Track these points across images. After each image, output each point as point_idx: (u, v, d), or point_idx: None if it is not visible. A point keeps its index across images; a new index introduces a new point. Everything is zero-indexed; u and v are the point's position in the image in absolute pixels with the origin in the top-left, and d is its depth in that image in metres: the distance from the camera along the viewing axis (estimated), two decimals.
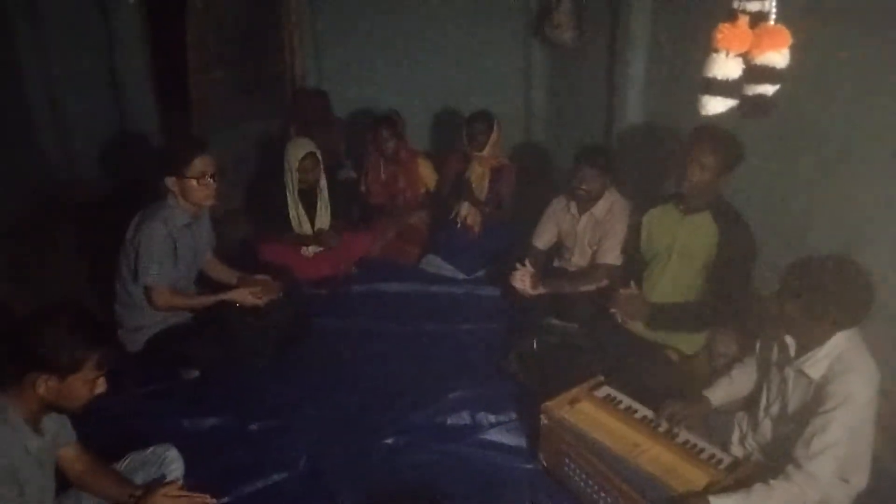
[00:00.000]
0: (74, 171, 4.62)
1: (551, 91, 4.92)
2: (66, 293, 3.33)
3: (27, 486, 1.66)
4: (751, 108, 1.69)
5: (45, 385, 1.64)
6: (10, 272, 3.48)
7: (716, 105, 1.68)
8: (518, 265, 3.11)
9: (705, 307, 2.63)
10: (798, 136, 2.64)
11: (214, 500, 1.93)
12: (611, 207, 3.15)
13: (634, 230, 2.94)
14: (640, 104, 3.69)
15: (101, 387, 1.75)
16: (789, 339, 1.99)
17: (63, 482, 1.92)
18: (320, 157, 3.69)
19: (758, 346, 2.23)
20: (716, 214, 2.61)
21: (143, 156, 4.33)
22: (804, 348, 1.94)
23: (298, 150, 3.64)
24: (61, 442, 1.88)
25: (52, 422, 1.81)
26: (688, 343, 2.72)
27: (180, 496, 1.85)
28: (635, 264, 2.89)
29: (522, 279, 3.07)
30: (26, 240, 3.75)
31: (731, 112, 1.70)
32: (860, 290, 1.81)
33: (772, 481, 1.87)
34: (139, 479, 2.03)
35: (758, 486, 1.88)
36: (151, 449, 2.10)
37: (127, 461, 2.08)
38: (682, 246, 2.68)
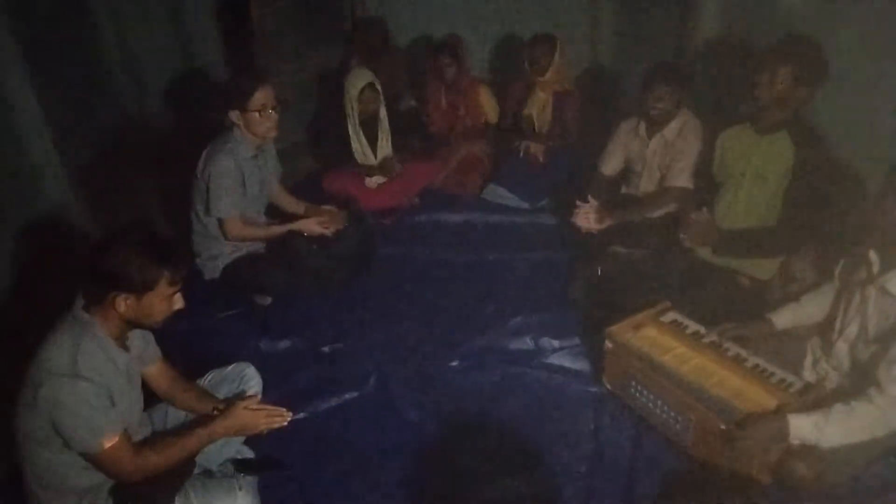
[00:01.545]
0: (144, 107, 4.75)
1: (619, 11, 4.67)
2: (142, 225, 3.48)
3: (118, 399, 1.78)
4: None
5: (124, 304, 1.72)
6: (88, 205, 3.66)
7: None
8: (579, 203, 2.99)
9: (779, 232, 2.53)
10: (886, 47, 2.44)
11: (290, 414, 2.02)
12: (682, 128, 3.01)
13: (708, 152, 2.81)
14: (717, 19, 3.47)
15: (178, 303, 1.83)
16: (874, 256, 1.90)
17: (150, 397, 2.06)
18: (380, 88, 3.67)
19: (838, 268, 2.13)
20: (794, 134, 2.47)
21: (207, 89, 4.40)
22: (890, 263, 1.85)
23: (358, 80, 3.63)
24: (147, 359, 2.01)
25: (137, 339, 1.92)
26: (760, 268, 2.63)
27: (260, 409, 1.95)
28: (708, 188, 2.79)
29: (586, 216, 2.97)
30: (102, 174, 3.91)
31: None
32: None
33: (853, 403, 1.83)
34: (221, 394, 2.15)
35: (838, 407, 1.83)
36: (232, 366, 2.22)
37: (209, 377, 2.21)
38: (757, 168, 2.57)
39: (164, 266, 1.74)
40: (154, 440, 1.94)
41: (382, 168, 3.82)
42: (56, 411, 1.68)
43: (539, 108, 3.96)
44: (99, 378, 1.72)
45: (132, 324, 1.81)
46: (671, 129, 3.04)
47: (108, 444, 1.72)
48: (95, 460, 1.75)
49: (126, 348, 1.84)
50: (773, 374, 2.13)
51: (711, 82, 3.52)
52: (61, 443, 1.74)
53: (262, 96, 2.75)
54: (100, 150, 3.99)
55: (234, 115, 2.78)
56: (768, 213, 2.59)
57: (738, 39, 3.39)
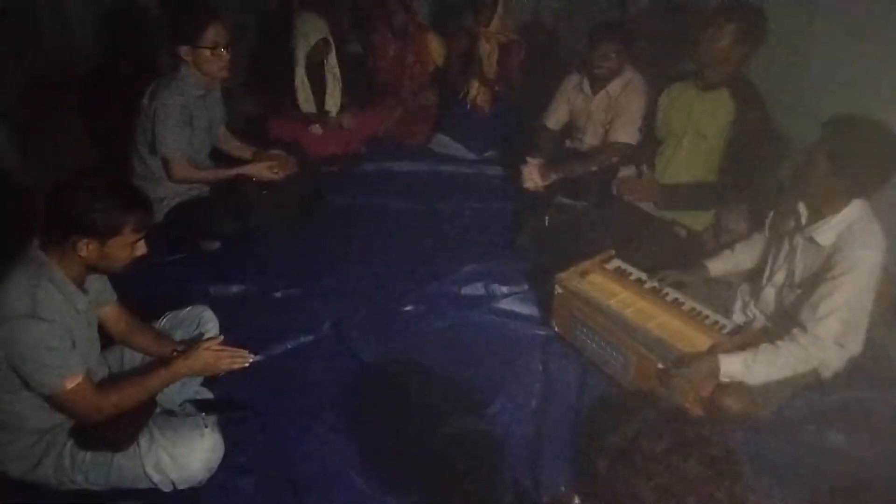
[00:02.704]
0: (70, 42, 4.46)
1: None
2: (77, 166, 3.33)
3: (77, 341, 1.76)
4: None
5: (86, 248, 1.69)
6: (17, 147, 3.46)
7: None
8: (527, 161, 3.05)
9: (716, 187, 2.69)
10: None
11: (252, 356, 2.04)
12: (626, 85, 3.11)
13: (651, 109, 2.93)
14: None
15: (140, 249, 1.81)
16: (802, 208, 2.06)
17: (106, 340, 2.03)
18: (332, 41, 3.58)
19: (768, 219, 2.30)
20: (734, 92, 2.60)
21: (140, 25, 4.17)
22: (817, 215, 2.02)
23: (311, 33, 3.52)
24: (103, 301, 1.97)
25: (94, 281, 1.89)
26: (696, 219, 2.80)
27: (221, 349, 1.97)
28: (648, 143, 2.92)
29: (531, 176, 3.05)
30: (30, 115, 3.69)
31: None
32: (891, 157, 1.85)
33: (778, 342, 2.00)
34: (177, 336, 2.15)
35: (764, 346, 2.01)
36: (188, 309, 2.22)
37: (165, 320, 2.19)
38: (697, 123, 2.70)
39: (130, 213, 1.71)
40: (114, 381, 1.93)
41: (325, 123, 3.76)
42: (16, 353, 1.65)
43: (485, 56, 3.97)
44: (59, 319, 1.68)
45: (92, 268, 1.77)
46: (615, 86, 3.14)
47: (70, 385, 1.70)
48: (57, 401, 1.73)
49: (84, 290, 1.81)
50: (707, 316, 2.30)
51: (655, 39, 3.63)
52: (19, 383, 1.71)
53: (214, 33, 2.66)
54: (26, 92, 3.74)
55: (182, 51, 2.67)
56: (706, 168, 2.74)
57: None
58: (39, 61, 3.93)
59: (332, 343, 2.55)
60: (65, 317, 1.72)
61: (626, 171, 2.94)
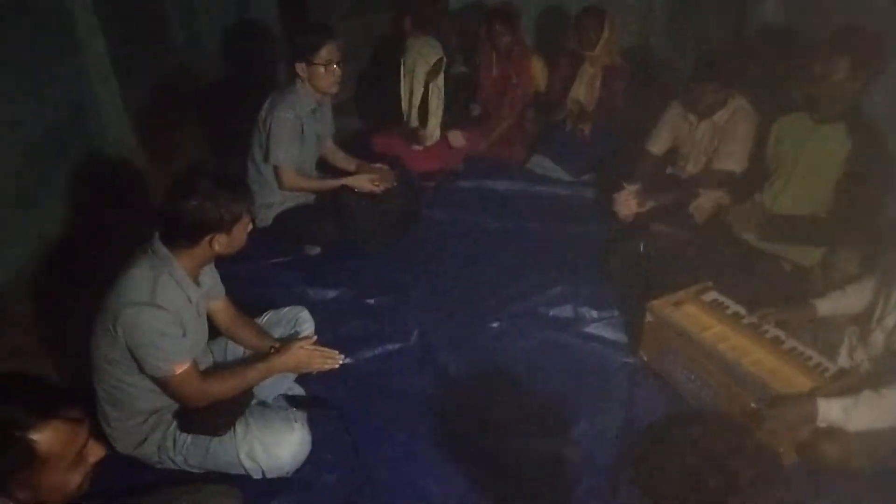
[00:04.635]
0: (198, 57, 4.84)
1: None
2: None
3: (188, 330, 1.91)
4: None
5: (218, 243, 1.86)
6: (145, 145, 3.79)
7: None
8: (616, 193, 3.01)
9: (827, 223, 2.56)
10: None
11: (342, 356, 2.13)
12: (734, 113, 3.01)
13: (761, 138, 2.83)
14: (781, 4, 3.44)
15: (249, 226, 1.96)
16: None
17: (212, 332, 2.18)
18: (445, 60, 3.70)
19: (882, 261, 2.17)
20: (851, 126, 2.47)
21: (261, 42, 4.48)
22: None
23: (430, 53, 3.65)
24: (213, 295, 2.12)
25: (207, 276, 2.04)
26: (803, 255, 2.66)
27: (315, 349, 2.07)
28: (758, 174, 2.81)
29: (627, 202, 3.00)
30: (158, 118, 4.03)
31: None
32: None
33: (882, 390, 1.88)
34: (276, 333, 2.28)
35: (866, 393, 1.89)
36: (287, 309, 2.35)
37: (266, 317, 2.33)
38: (810, 157, 2.58)
39: (244, 199, 1.88)
40: (217, 371, 2.07)
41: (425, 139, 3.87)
42: (133, 337, 1.79)
43: (587, 82, 3.97)
44: (174, 308, 1.83)
45: (217, 258, 1.93)
46: (722, 115, 3.05)
47: (179, 371, 1.84)
48: (165, 384, 1.88)
49: (198, 283, 1.96)
50: (809, 357, 2.19)
51: (770, 68, 3.51)
52: (134, 366, 1.86)
53: (328, 51, 2.82)
54: (157, 96, 4.11)
55: (299, 68, 2.85)
56: (816, 202, 2.61)
57: (796, 27, 3.37)
58: (170, 72, 4.31)
59: (419, 352, 2.62)
60: (179, 307, 1.87)
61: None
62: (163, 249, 1.86)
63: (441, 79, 3.77)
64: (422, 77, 3.68)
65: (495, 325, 2.74)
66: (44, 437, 1.16)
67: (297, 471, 2.06)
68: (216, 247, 1.86)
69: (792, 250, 2.67)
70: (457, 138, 3.89)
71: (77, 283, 2.56)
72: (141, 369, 1.86)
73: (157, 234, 1.88)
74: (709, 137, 3.11)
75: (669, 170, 3.38)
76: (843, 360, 2.20)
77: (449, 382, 2.49)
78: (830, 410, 1.90)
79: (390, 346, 2.62)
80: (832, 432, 1.92)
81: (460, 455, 2.17)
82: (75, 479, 1.24)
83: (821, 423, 1.92)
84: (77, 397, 1.26)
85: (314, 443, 2.09)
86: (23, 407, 1.17)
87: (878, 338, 2.11)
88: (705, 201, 2.87)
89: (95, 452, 1.27)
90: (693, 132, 3.17)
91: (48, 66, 3.10)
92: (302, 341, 2.08)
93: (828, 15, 2.86)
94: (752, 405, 2.04)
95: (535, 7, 5.01)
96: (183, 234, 1.84)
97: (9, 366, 2.37)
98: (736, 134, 2.98)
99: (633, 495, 1.94)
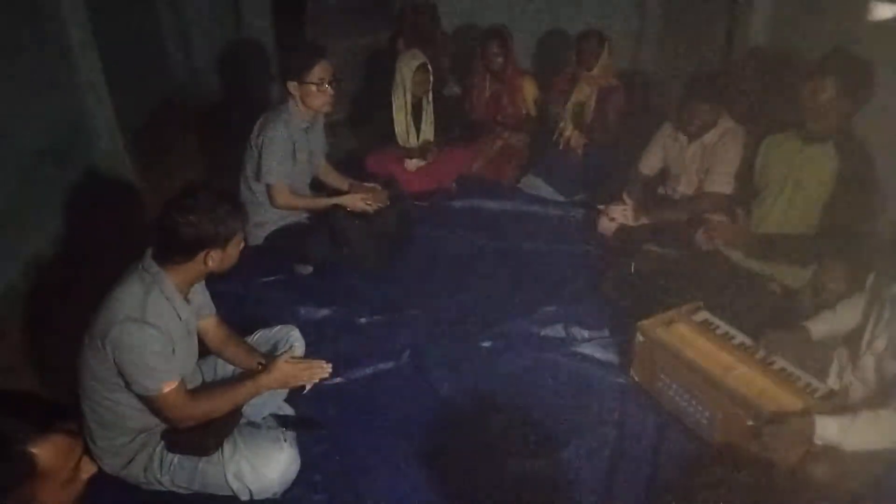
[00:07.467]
0: (193, 75, 4.88)
1: (666, 11, 4.70)
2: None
3: (178, 348, 1.89)
4: None
5: (213, 258, 1.86)
6: (137, 160, 3.80)
7: None
8: (611, 206, 3.09)
9: (814, 241, 2.57)
10: None
11: (330, 366, 2.08)
12: (723, 135, 3.05)
13: (749, 157, 2.86)
14: (768, 26, 3.49)
15: (241, 244, 1.96)
16: None
17: (201, 350, 2.17)
18: (431, 70, 3.74)
19: (869, 281, 2.18)
20: (839, 146, 2.50)
21: (255, 61, 4.51)
22: None
23: (412, 61, 3.70)
24: (203, 313, 2.12)
25: (197, 294, 2.04)
26: (792, 276, 2.68)
27: (300, 362, 2.05)
28: (746, 193, 2.84)
29: (623, 212, 3.07)
30: (151, 134, 4.05)
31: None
32: None
33: (880, 411, 1.87)
34: (266, 352, 2.26)
35: (864, 413, 1.88)
36: (278, 328, 2.34)
37: (257, 336, 2.32)
38: (799, 176, 2.60)
39: (238, 215, 1.89)
40: (205, 390, 2.05)
41: (421, 151, 3.89)
42: (122, 354, 1.78)
43: (584, 100, 4.01)
44: (164, 326, 1.82)
45: (210, 274, 1.93)
46: (711, 136, 3.09)
47: (166, 389, 1.83)
48: (153, 403, 1.86)
49: (189, 301, 1.95)
50: (798, 377, 2.19)
51: (758, 89, 3.55)
52: (122, 384, 1.85)
53: (320, 70, 2.84)
54: (150, 113, 4.13)
55: (291, 86, 2.87)
56: (803, 221, 2.63)
57: (785, 48, 3.42)
58: (164, 92, 4.33)
59: (410, 371, 2.61)
60: (169, 325, 1.86)
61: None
62: (154, 267, 1.85)
63: (430, 94, 3.80)
64: (407, 83, 3.71)
65: (487, 344, 2.73)
66: (43, 451, 1.16)
67: (286, 492, 2.03)
68: (210, 263, 1.86)
69: (781, 271, 2.68)
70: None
71: (69, 301, 2.55)
72: (128, 387, 1.84)
73: (148, 252, 1.88)
74: (699, 158, 3.15)
75: (661, 190, 3.41)
76: (832, 382, 2.21)
77: (440, 402, 2.48)
78: (827, 428, 1.89)
79: (382, 366, 2.61)
80: (826, 451, 1.91)
81: (452, 475, 2.16)
82: (69, 495, 1.24)
83: (817, 441, 1.91)
84: (70, 412, 1.26)
85: (303, 463, 2.07)
86: (21, 421, 1.16)
87: (868, 361, 2.11)
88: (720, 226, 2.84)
89: (87, 469, 1.27)
90: (683, 153, 3.20)
91: (43, 85, 3.11)
92: (284, 355, 2.04)
93: (813, 36, 2.91)
94: (749, 423, 2.03)
95: (534, 30, 5.08)
96: (178, 248, 1.83)
97: None
98: (726, 155, 3.02)
99: None
